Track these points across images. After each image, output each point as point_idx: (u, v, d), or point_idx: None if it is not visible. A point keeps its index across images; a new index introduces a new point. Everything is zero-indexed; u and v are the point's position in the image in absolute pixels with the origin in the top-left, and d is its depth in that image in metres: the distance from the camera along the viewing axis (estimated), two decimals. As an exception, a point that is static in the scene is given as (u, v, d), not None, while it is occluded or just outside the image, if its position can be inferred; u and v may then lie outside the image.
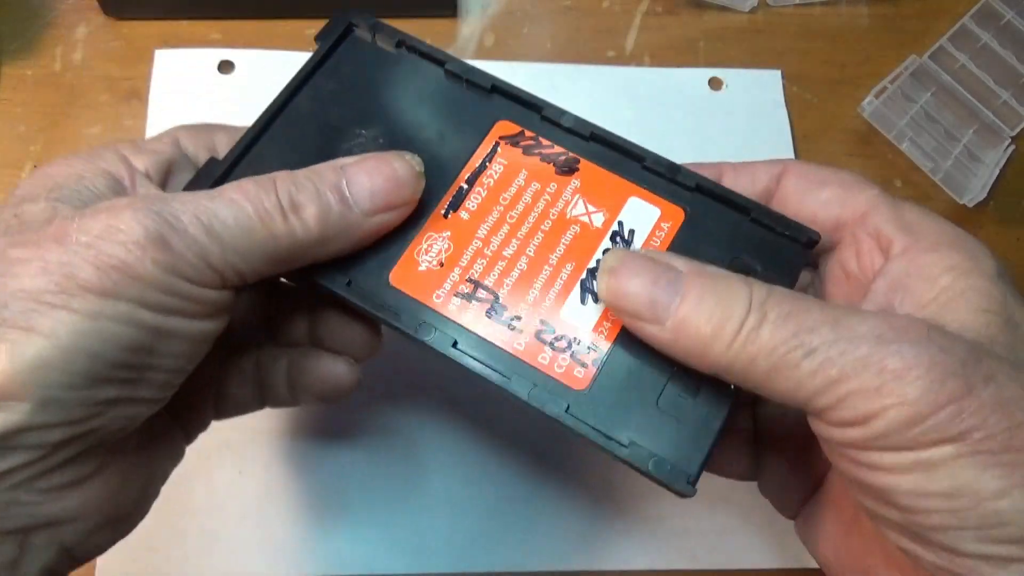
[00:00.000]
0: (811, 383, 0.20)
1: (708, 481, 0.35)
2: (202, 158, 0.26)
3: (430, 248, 0.25)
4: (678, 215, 0.25)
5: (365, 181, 0.23)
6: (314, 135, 0.26)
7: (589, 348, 0.24)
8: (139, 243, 0.20)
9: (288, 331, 0.28)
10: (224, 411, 0.28)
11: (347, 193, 0.23)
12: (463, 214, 0.25)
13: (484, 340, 0.24)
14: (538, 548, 0.35)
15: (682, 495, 0.22)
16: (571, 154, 0.26)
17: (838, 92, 0.44)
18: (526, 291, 0.24)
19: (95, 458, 0.22)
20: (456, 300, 0.24)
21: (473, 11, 0.44)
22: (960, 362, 0.19)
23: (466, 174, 0.26)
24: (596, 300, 0.24)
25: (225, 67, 0.41)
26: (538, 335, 0.24)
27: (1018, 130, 0.43)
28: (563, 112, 0.26)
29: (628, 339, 0.23)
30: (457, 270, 0.25)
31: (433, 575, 0.34)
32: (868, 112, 0.42)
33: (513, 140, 0.26)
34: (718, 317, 0.21)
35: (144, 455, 0.24)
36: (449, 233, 0.25)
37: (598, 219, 0.25)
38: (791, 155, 0.42)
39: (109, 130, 0.40)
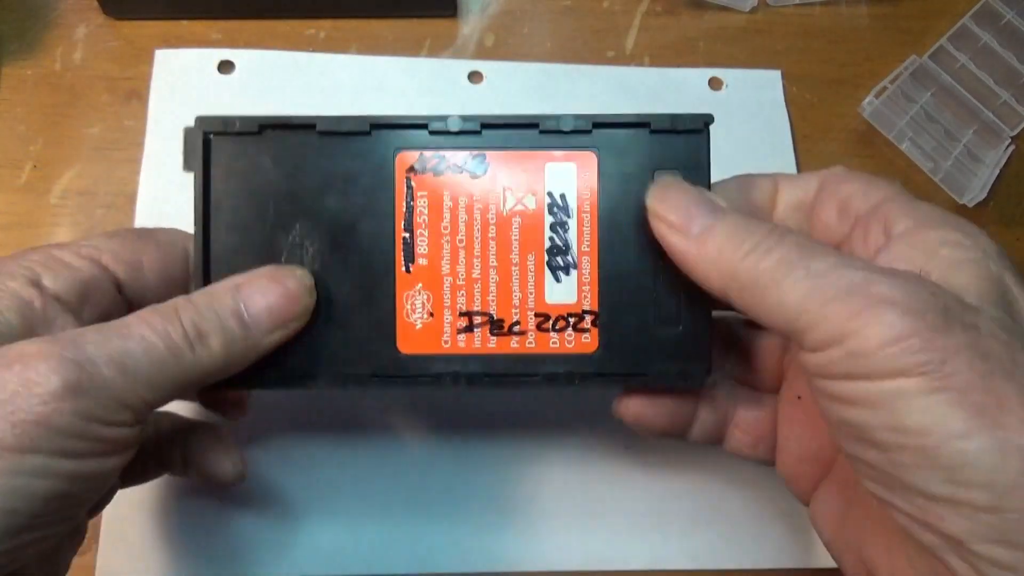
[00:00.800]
0: (804, 297, 0.21)
1: (709, 481, 0.35)
2: (124, 275, 0.26)
3: (414, 306, 0.26)
4: (591, 160, 0.26)
5: (261, 300, 0.24)
6: (245, 254, 0.26)
7: (583, 314, 0.26)
8: (56, 394, 0.20)
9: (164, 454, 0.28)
10: (126, 483, 0.29)
11: (246, 317, 0.24)
12: (421, 261, 0.26)
13: (502, 356, 0.26)
14: (538, 548, 0.35)
15: (706, 387, 0.27)
16: (475, 152, 0.26)
17: (838, 92, 0.44)
18: (509, 297, 0.26)
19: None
20: (461, 337, 0.26)
21: (473, 11, 0.44)
22: (944, 304, 0.20)
23: (401, 223, 0.26)
24: (567, 273, 0.26)
25: (225, 67, 0.41)
26: (539, 327, 0.26)
27: (1018, 130, 0.43)
28: (446, 118, 0.26)
29: (608, 290, 0.26)
30: (447, 311, 0.26)
31: (433, 575, 0.34)
32: (868, 112, 0.42)
33: (419, 167, 0.26)
34: (741, 234, 0.23)
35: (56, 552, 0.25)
36: (420, 284, 0.26)
37: (531, 202, 0.26)
38: (791, 155, 0.42)
39: (109, 130, 0.40)
